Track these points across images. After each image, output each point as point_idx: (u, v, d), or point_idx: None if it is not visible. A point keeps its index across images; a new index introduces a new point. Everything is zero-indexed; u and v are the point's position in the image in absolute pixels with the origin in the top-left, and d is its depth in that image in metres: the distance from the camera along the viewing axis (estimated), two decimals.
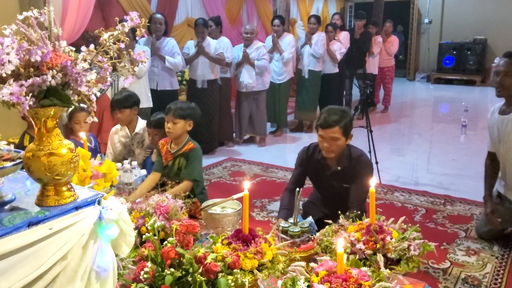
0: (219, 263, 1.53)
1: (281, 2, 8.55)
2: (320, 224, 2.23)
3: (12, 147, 1.42)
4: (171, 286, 1.42)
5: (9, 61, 1.07)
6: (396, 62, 8.35)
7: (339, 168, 2.58)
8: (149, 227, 1.63)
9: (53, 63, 1.13)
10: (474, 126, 6.51)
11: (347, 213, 2.04)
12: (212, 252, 1.61)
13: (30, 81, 1.10)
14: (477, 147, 4.97)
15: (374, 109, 7.91)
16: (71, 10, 3.95)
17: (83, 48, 1.22)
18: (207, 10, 7.58)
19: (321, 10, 10.64)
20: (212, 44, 5.11)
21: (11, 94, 1.06)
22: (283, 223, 2.08)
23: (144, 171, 2.91)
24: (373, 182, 1.83)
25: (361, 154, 2.61)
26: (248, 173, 4.62)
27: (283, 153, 5.51)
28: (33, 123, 1.23)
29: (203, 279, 1.46)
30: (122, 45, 1.24)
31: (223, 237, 1.76)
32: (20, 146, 3.22)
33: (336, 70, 6.60)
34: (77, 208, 1.24)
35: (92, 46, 1.22)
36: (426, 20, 11.90)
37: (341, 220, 1.98)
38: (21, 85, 1.08)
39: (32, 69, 1.11)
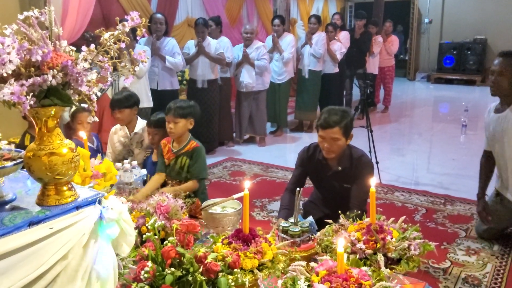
0: (219, 263, 1.53)
1: (281, 2, 8.55)
2: (321, 224, 2.23)
3: (12, 146, 1.42)
4: (171, 286, 1.42)
5: (10, 61, 1.07)
6: (396, 62, 8.36)
7: (339, 168, 2.58)
8: (149, 227, 1.63)
9: (53, 62, 1.13)
10: (474, 126, 6.51)
11: (348, 213, 2.04)
12: (213, 251, 1.61)
13: (30, 80, 1.10)
14: (477, 147, 4.96)
15: (374, 109, 7.90)
16: (72, 10, 3.95)
17: (84, 48, 1.22)
18: (207, 10, 7.58)
19: (321, 10, 10.64)
20: (212, 44, 5.12)
21: (12, 93, 1.06)
22: (283, 223, 2.08)
23: (144, 171, 2.91)
24: (373, 181, 1.83)
25: (362, 154, 2.60)
26: (248, 173, 4.62)
27: (283, 153, 5.52)
28: (33, 122, 1.23)
29: (204, 278, 1.46)
30: (123, 45, 1.24)
31: (223, 237, 1.76)
32: (21, 145, 3.23)
33: (337, 70, 6.60)
34: (77, 207, 1.24)
35: (92, 46, 1.22)
36: (426, 20, 11.91)
37: (342, 219, 1.98)
38: (22, 85, 1.08)
39: (33, 69, 1.11)
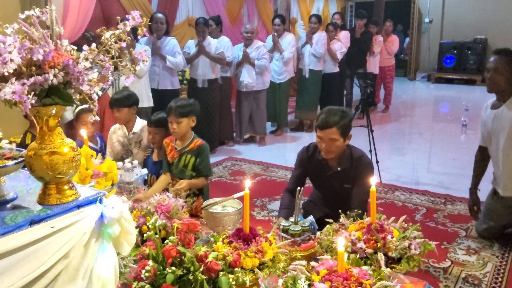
0: (220, 262, 1.53)
1: (281, 1, 8.55)
2: (321, 224, 2.23)
3: (14, 146, 1.43)
4: (172, 285, 1.42)
5: (11, 60, 1.07)
6: (396, 62, 8.35)
7: (339, 168, 2.58)
8: (150, 226, 1.63)
9: (55, 62, 1.13)
10: (475, 126, 6.50)
11: (348, 213, 2.04)
12: (213, 251, 1.61)
13: (32, 79, 1.10)
14: (478, 147, 4.97)
15: (374, 109, 7.90)
16: (72, 9, 3.96)
17: (85, 47, 1.22)
18: (208, 9, 7.58)
19: (322, 10, 10.63)
20: (213, 44, 5.12)
21: (13, 92, 1.07)
22: (284, 222, 2.08)
23: (145, 170, 2.91)
24: (373, 181, 1.83)
25: (362, 154, 2.59)
26: (249, 172, 4.62)
27: (283, 153, 5.52)
28: (35, 122, 1.23)
29: (204, 277, 1.46)
30: (124, 44, 1.24)
31: (224, 236, 1.76)
32: (22, 144, 3.23)
33: (337, 69, 6.60)
34: (78, 206, 1.24)
35: (94, 45, 1.22)
36: (427, 20, 11.90)
37: (342, 219, 1.98)
38: (23, 84, 1.08)
39: (34, 68, 1.11)
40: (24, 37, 1.14)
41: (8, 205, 1.25)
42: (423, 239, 1.81)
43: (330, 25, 6.58)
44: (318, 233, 1.98)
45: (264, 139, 5.84)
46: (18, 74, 1.11)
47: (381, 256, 1.68)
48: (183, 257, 1.49)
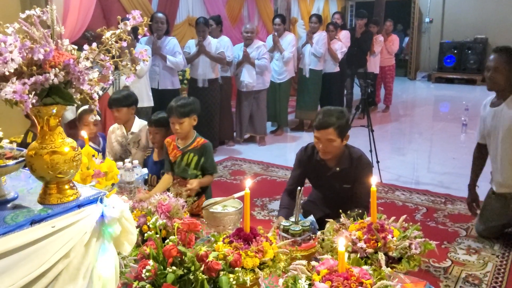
0: (220, 262, 1.53)
1: (282, 1, 8.55)
2: (320, 224, 2.23)
3: (14, 145, 1.43)
4: (173, 284, 1.42)
5: (12, 59, 1.07)
6: (397, 61, 8.35)
7: (338, 169, 2.57)
8: (150, 226, 1.63)
9: (55, 61, 1.13)
10: (475, 125, 6.46)
11: (349, 212, 2.04)
12: (214, 250, 1.61)
13: (32, 79, 1.10)
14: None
15: (375, 108, 7.90)
16: (73, 9, 3.96)
17: (86, 46, 1.22)
18: (208, 9, 7.57)
19: (322, 9, 10.63)
20: (213, 43, 5.11)
21: (14, 92, 1.07)
22: (284, 222, 2.08)
23: (145, 170, 2.91)
24: (374, 180, 1.83)
25: (361, 154, 2.58)
26: (249, 172, 4.62)
27: (283, 152, 5.52)
28: (35, 121, 1.23)
29: (205, 277, 1.46)
30: (124, 44, 1.24)
31: (224, 236, 1.77)
32: (23, 143, 3.23)
33: (337, 69, 6.60)
34: (79, 206, 1.25)
35: (94, 45, 1.22)
36: (427, 19, 11.90)
37: (343, 218, 1.98)
38: (24, 83, 1.08)
39: (35, 68, 1.11)
40: (25, 37, 1.15)
41: (9, 205, 1.25)
42: (423, 239, 1.81)
43: (331, 24, 6.58)
44: (319, 232, 1.98)
45: (264, 139, 5.84)
46: (19, 74, 1.11)
47: (381, 256, 1.68)
48: (183, 257, 1.49)
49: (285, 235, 2.00)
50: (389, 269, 1.60)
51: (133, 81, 3.93)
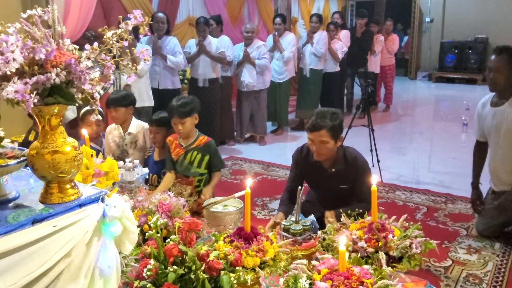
0: (221, 261, 1.53)
1: (282, 0, 8.54)
2: (319, 223, 2.23)
3: (16, 145, 1.43)
4: (174, 284, 1.43)
5: (14, 59, 1.07)
6: (397, 61, 8.34)
7: (333, 170, 2.56)
8: (151, 225, 1.64)
9: (57, 61, 1.14)
10: None
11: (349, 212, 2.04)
12: (215, 250, 1.62)
13: (34, 79, 1.10)
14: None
15: (375, 108, 7.90)
16: (73, 9, 3.96)
17: (87, 46, 1.22)
18: (208, 8, 7.57)
19: (322, 9, 10.63)
20: (213, 43, 5.12)
21: (15, 92, 1.07)
22: (285, 221, 2.08)
23: (146, 170, 2.91)
24: (374, 180, 1.84)
25: (356, 155, 2.56)
26: (249, 171, 4.62)
27: (284, 152, 5.52)
28: (37, 121, 1.23)
29: (206, 276, 1.46)
30: (126, 44, 1.24)
31: (225, 235, 1.77)
32: (25, 142, 3.23)
33: (338, 68, 6.60)
34: (80, 205, 1.25)
35: (96, 44, 1.23)
36: (428, 19, 11.89)
37: (343, 218, 1.99)
38: (26, 83, 1.09)
39: (36, 67, 1.11)
40: (26, 37, 1.15)
41: (10, 204, 1.25)
42: (424, 238, 1.81)
43: (331, 24, 6.58)
44: (319, 232, 1.99)
45: (265, 138, 5.84)
46: (20, 73, 1.11)
47: (382, 255, 1.69)
48: (184, 256, 1.50)
49: (286, 234, 2.00)
50: (389, 268, 1.61)
51: (134, 80, 3.93)
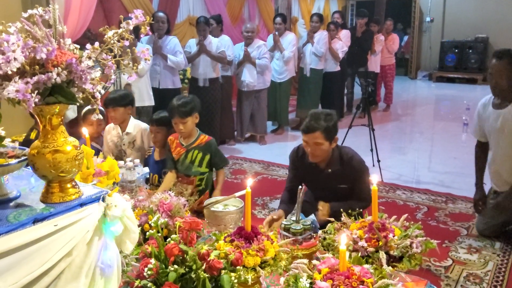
0: (222, 260, 1.53)
1: (282, 0, 8.54)
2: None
3: (17, 144, 1.43)
4: (174, 283, 1.43)
5: (15, 59, 1.07)
6: (397, 61, 8.34)
7: (330, 170, 2.56)
8: (152, 224, 1.64)
9: (58, 60, 1.14)
10: None
11: (351, 210, 2.04)
12: (215, 249, 1.62)
13: (35, 78, 1.10)
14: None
15: (376, 108, 7.90)
16: (74, 8, 3.96)
17: (88, 45, 1.23)
18: (209, 8, 7.57)
19: (323, 9, 10.63)
20: (214, 43, 5.12)
21: (16, 91, 1.07)
22: (285, 221, 2.08)
23: (146, 169, 2.92)
24: (375, 180, 1.84)
25: (352, 155, 2.56)
26: (250, 171, 4.63)
27: (284, 151, 5.51)
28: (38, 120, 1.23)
29: (206, 276, 1.46)
30: (127, 43, 1.24)
31: (225, 235, 1.77)
32: (27, 140, 3.23)
33: (338, 68, 6.60)
34: (81, 205, 1.25)
35: (97, 44, 1.23)
36: (428, 19, 11.88)
37: (344, 218, 1.99)
38: (27, 82, 1.09)
39: (37, 67, 1.12)
40: (27, 36, 1.15)
41: (12, 204, 1.25)
42: (424, 238, 1.81)
43: (332, 24, 6.58)
44: (320, 231, 1.99)
45: (265, 138, 5.84)
46: (21, 73, 1.11)
47: (382, 255, 1.69)
48: (185, 256, 1.50)
49: (286, 234, 2.01)
50: (390, 268, 1.61)
51: (134, 80, 3.92)
